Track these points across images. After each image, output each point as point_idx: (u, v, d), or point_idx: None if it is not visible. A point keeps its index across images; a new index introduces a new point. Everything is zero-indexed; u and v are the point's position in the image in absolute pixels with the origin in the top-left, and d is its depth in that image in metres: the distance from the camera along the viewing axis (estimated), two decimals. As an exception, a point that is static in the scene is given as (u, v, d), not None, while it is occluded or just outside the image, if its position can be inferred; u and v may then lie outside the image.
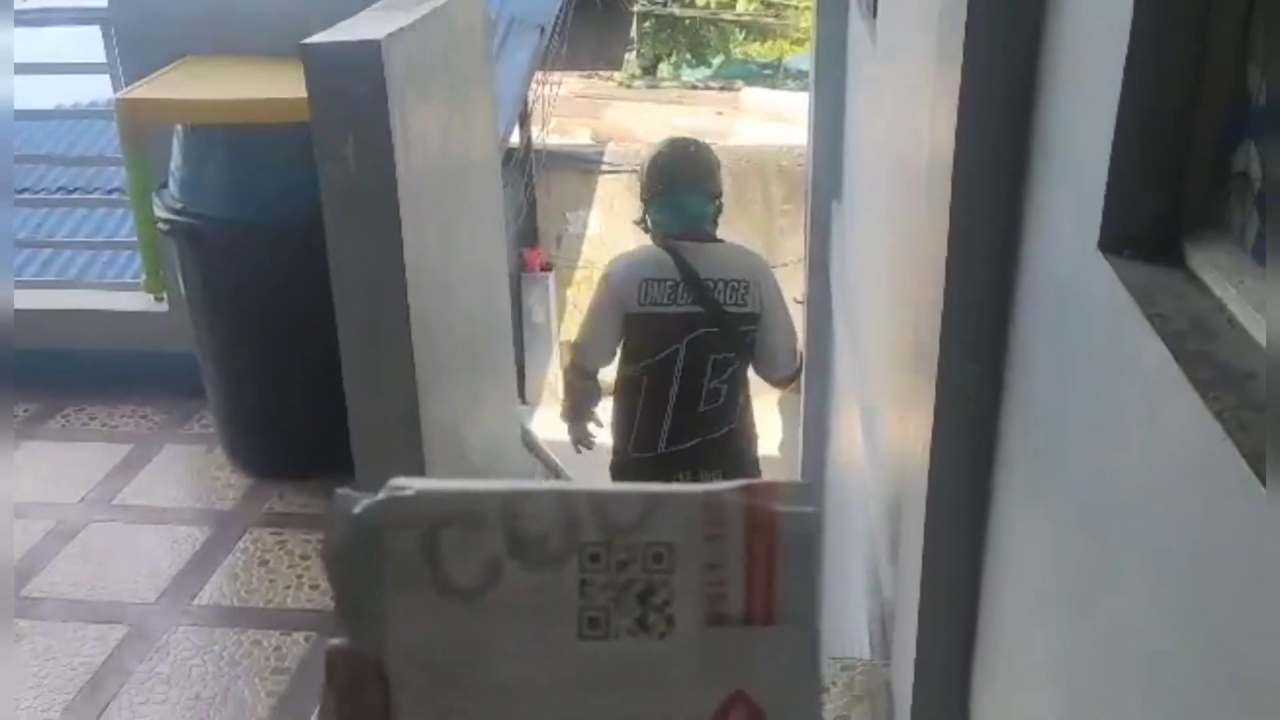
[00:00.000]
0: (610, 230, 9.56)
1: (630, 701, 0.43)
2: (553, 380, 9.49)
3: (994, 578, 1.66)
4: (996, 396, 1.62)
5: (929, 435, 1.70)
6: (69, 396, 3.31)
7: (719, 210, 2.63)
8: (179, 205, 2.78)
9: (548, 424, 8.40)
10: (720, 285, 2.57)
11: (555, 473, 4.89)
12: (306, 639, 2.46)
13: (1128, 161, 1.19)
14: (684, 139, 2.64)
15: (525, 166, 9.01)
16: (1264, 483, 0.81)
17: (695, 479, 2.77)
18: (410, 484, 0.46)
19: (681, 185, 2.62)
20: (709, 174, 2.70)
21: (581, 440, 2.95)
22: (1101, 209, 1.20)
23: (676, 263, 2.48)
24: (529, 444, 4.28)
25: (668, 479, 2.42)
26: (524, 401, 8.09)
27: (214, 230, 2.76)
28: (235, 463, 3.00)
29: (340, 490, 0.47)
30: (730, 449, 2.79)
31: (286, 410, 2.91)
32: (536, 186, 9.32)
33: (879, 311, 2.92)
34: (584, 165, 9.50)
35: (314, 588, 2.60)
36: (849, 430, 3.81)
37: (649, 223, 2.68)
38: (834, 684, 2.31)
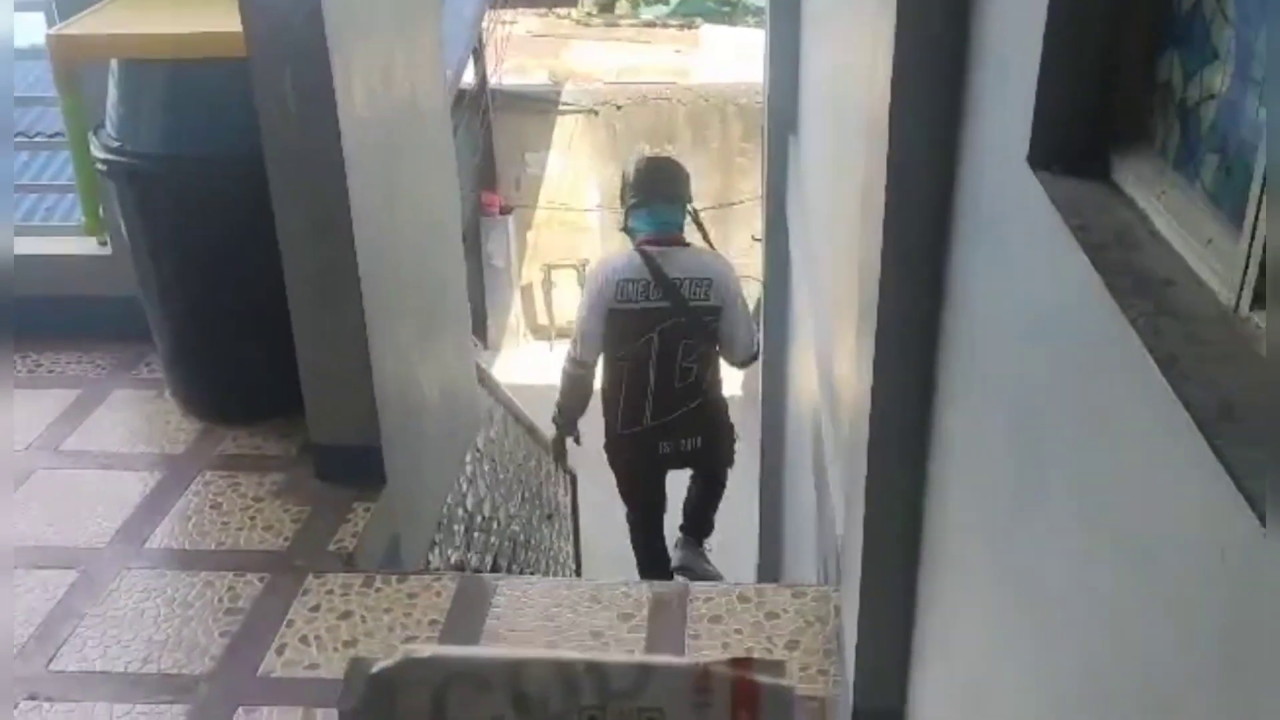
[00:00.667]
0: (571, 170, 9.50)
1: None
2: (514, 323, 9.50)
3: (936, 497, 1.68)
4: (937, 311, 1.63)
5: (872, 361, 1.71)
6: (15, 341, 3.26)
7: (689, 213, 3.08)
8: (117, 145, 2.73)
9: (510, 367, 8.41)
10: (685, 283, 2.99)
11: (515, 414, 4.90)
12: (260, 579, 2.45)
13: (1055, 75, 1.18)
14: (658, 155, 3.41)
15: (481, 107, 8.91)
16: (1174, 388, 0.82)
17: (677, 446, 3.14)
18: (424, 648, 0.49)
19: (657, 197, 3.03)
20: (681, 185, 3.13)
21: (563, 452, 3.44)
22: (1031, 124, 1.20)
23: (648, 265, 2.89)
24: (487, 386, 4.27)
25: (653, 448, 2.63)
26: (485, 346, 8.07)
27: (154, 170, 2.71)
28: (185, 407, 2.97)
29: (356, 656, 0.48)
30: (704, 417, 3.17)
31: (235, 353, 2.88)
32: (493, 128, 9.23)
33: (831, 243, 2.93)
34: (542, 105, 9.40)
35: (267, 529, 2.60)
36: (805, 364, 3.84)
37: (629, 226, 3.06)
38: (785, 610, 2.34)
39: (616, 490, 3.51)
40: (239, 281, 2.78)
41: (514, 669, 0.46)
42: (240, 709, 2.15)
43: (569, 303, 9.85)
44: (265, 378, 2.89)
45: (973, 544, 1.47)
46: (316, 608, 2.38)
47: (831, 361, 2.80)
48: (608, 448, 3.31)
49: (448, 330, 3.36)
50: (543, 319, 9.84)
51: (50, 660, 2.25)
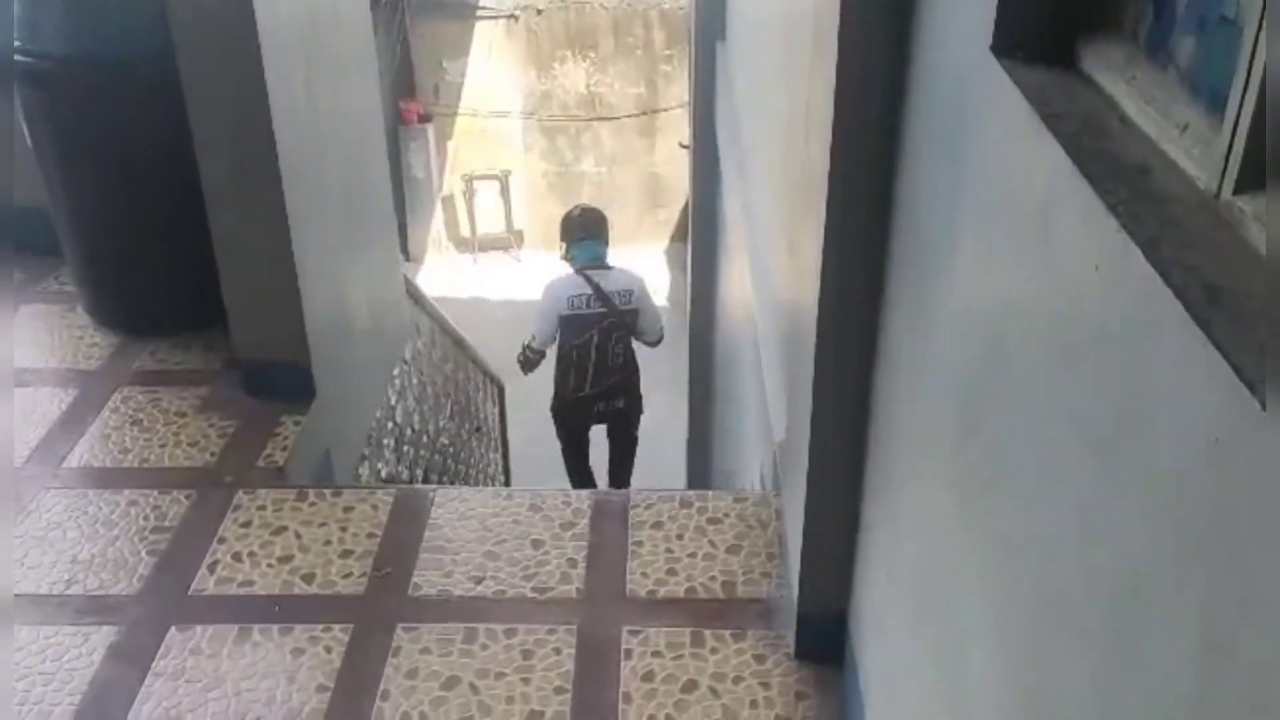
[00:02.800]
0: (491, 78, 9.26)
1: None
2: (436, 235, 9.32)
3: (884, 399, 1.67)
4: (886, 217, 1.61)
5: (819, 260, 1.69)
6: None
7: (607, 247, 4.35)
8: (17, 45, 2.56)
9: (433, 280, 8.27)
10: (616, 295, 4.17)
11: (443, 327, 4.81)
12: (187, 496, 2.38)
13: (1022, -43, 1.15)
14: (589, 206, 4.46)
15: (397, 12, 8.61)
16: (1159, 273, 0.80)
17: (609, 405, 4.33)
18: None
19: (591, 236, 4.28)
20: (606, 228, 4.38)
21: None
22: (995, 9, 1.16)
23: (589, 283, 4.10)
24: (415, 298, 4.18)
25: (590, 407, 3.68)
26: (407, 258, 7.91)
27: (58, 71, 2.55)
28: (99, 321, 2.85)
29: None
30: (627, 385, 4.37)
31: (151, 265, 2.77)
32: (410, 33, 8.93)
33: (769, 147, 2.88)
34: (459, 10, 9.11)
35: (192, 445, 2.52)
36: (737, 273, 3.81)
37: (570, 255, 4.27)
38: (727, 515, 2.34)
39: (549, 411, 4.53)
40: (153, 189, 2.65)
41: None
42: (173, 628, 2.09)
43: (491, 215, 9.68)
44: (183, 290, 2.78)
45: (925, 445, 1.47)
46: (248, 524, 2.32)
47: (769, 268, 2.77)
48: (555, 409, 4.45)
49: (374, 240, 3.26)
50: (465, 231, 9.67)
51: (-33, 584, 2.17)
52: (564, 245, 4.33)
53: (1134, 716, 0.84)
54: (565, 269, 4.30)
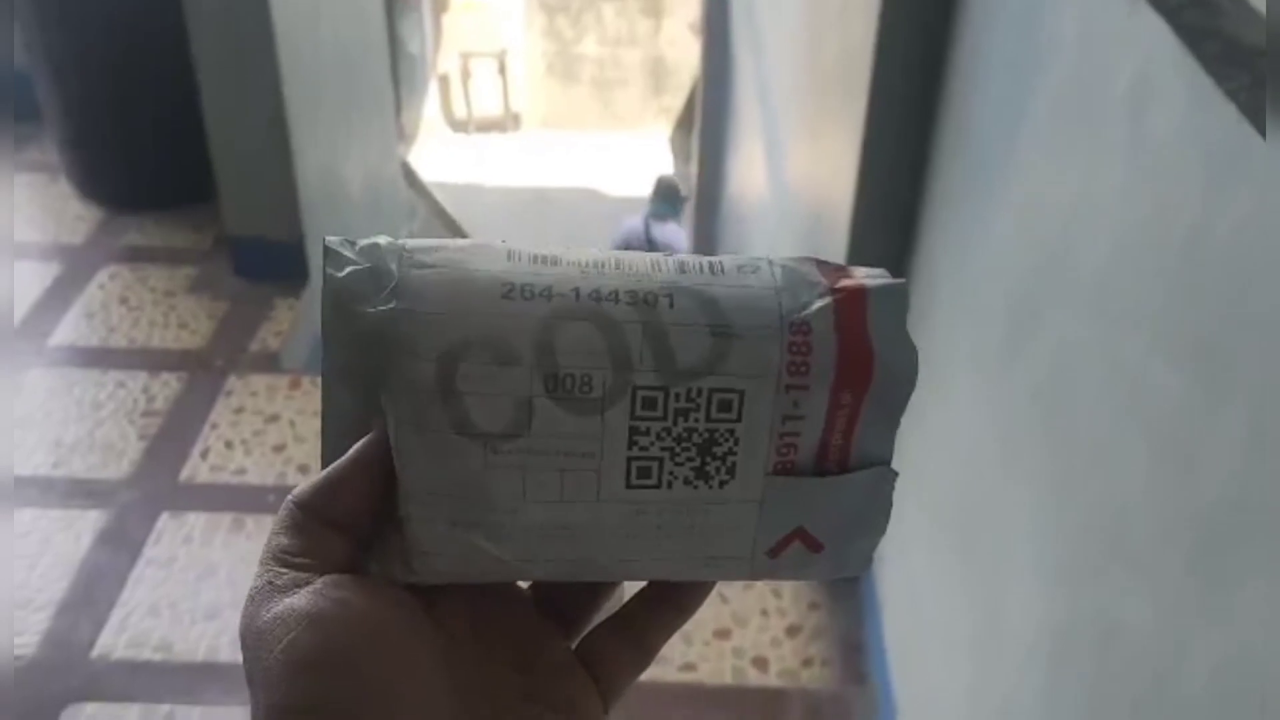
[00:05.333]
0: (490, -47, 8.91)
1: (679, 541, 0.37)
2: (430, 115, 9.06)
3: (919, 306, 1.58)
4: (934, 102, 1.49)
5: (858, 148, 1.57)
6: None
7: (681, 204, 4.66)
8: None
9: (427, 160, 8.08)
10: (660, 244, 4.47)
11: (438, 212, 4.68)
12: (178, 380, 2.29)
13: None
14: (667, 177, 4.69)
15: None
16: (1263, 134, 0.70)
17: None
18: (420, 294, 0.35)
19: (663, 198, 4.60)
20: (677, 192, 4.72)
21: None
22: None
23: (645, 231, 4.39)
24: (411, 181, 4.04)
25: None
26: (400, 135, 7.70)
27: (35, -79, 2.38)
28: (84, 193, 2.72)
29: (329, 273, 0.35)
30: None
31: (141, 134, 2.62)
32: (408, -100, 8.54)
33: (791, 20, 2.72)
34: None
35: (182, 327, 2.41)
36: (748, 163, 3.67)
37: (652, 211, 4.56)
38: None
39: None
40: (145, 54, 2.49)
41: (547, 334, 0.34)
42: (164, 514, 2.02)
43: (487, 95, 9.41)
44: (172, 162, 2.64)
45: (965, 358, 1.37)
46: (240, 410, 2.23)
47: (788, 157, 2.64)
48: None
49: (370, 117, 3.11)
50: (460, 111, 9.42)
51: (-50, 464, 2.09)
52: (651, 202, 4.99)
53: (1202, 668, 0.76)
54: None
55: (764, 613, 1.86)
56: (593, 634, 0.39)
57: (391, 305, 0.35)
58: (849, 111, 1.62)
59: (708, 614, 1.85)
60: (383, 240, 0.36)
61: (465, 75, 9.25)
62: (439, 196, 4.80)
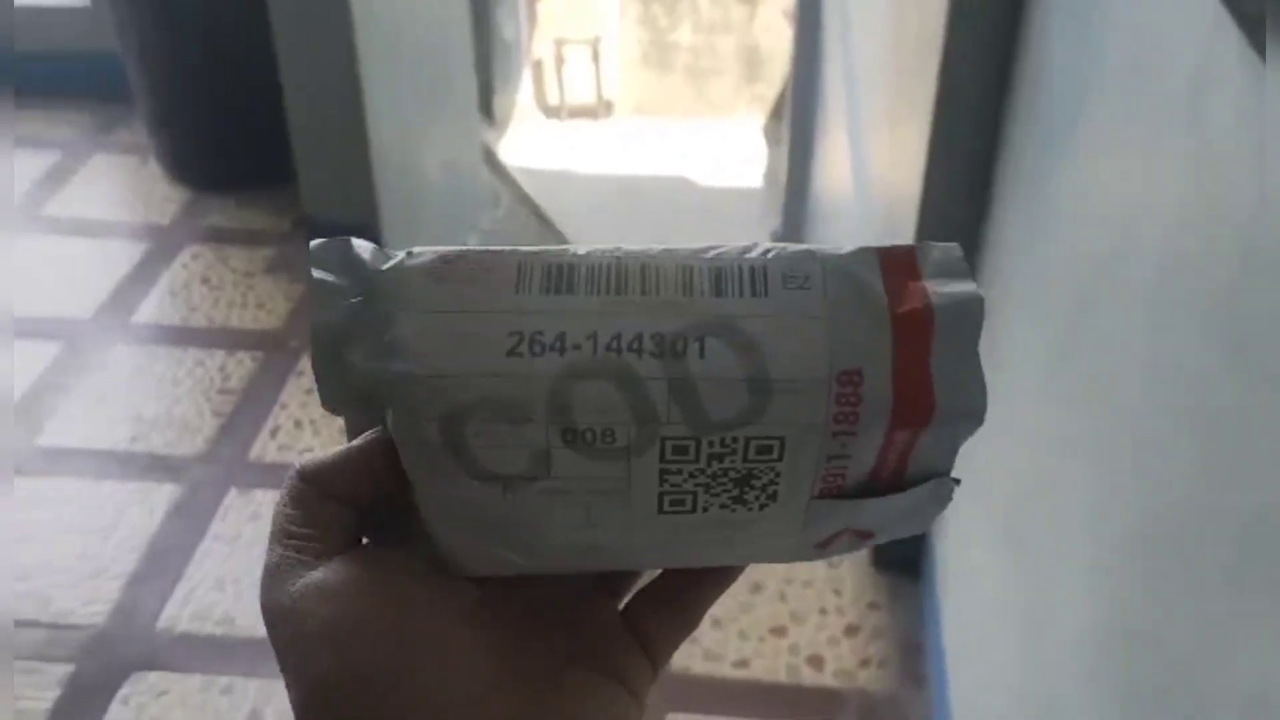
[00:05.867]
0: (586, -60, 8.92)
1: (718, 547, 0.34)
2: (522, 102, 9.13)
3: (992, 290, 1.52)
4: (1004, 88, 1.43)
5: (926, 136, 1.52)
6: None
7: None
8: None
9: (518, 147, 8.13)
10: None
11: (522, 199, 4.70)
12: (253, 359, 2.33)
13: None
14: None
15: None
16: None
17: None
18: (418, 351, 0.31)
19: None
20: None
21: None
22: None
23: None
24: (493, 166, 4.05)
25: None
26: (492, 121, 7.77)
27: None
28: (171, 174, 2.78)
29: (320, 317, 0.33)
30: None
31: (225, 116, 2.68)
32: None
33: (878, 17, 2.66)
34: None
35: (259, 307, 2.46)
36: (833, 152, 3.61)
37: None
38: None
39: None
40: (232, 38, 2.54)
41: (559, 394, 0.31)
42: (233, 490, 2.06)
43: (580, 82, 9.44)
44: (257, 144, 2.69)
45: (1027, 351, 1.32)
46: (310, 390, 2.26)
47: (868, 146, 2.59)
48: None
49: (451, 100, 3.13)
50: (553, 98, 9.46)
51: (36, 434, 2.16)
52: None
53: (1243, 681, 0.71)
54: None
55: (822, 611, 1.83)
56: (637, 599, 0.38)
57: (387, 364, 0.32)
58: (919, 98, 1.57)
59: (764, 611, 1.82)
60: (377, 257, 0.33)
61: (559, 62, 9.29)
62: (527, 183, 4.81)
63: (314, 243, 0.33)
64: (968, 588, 1.57)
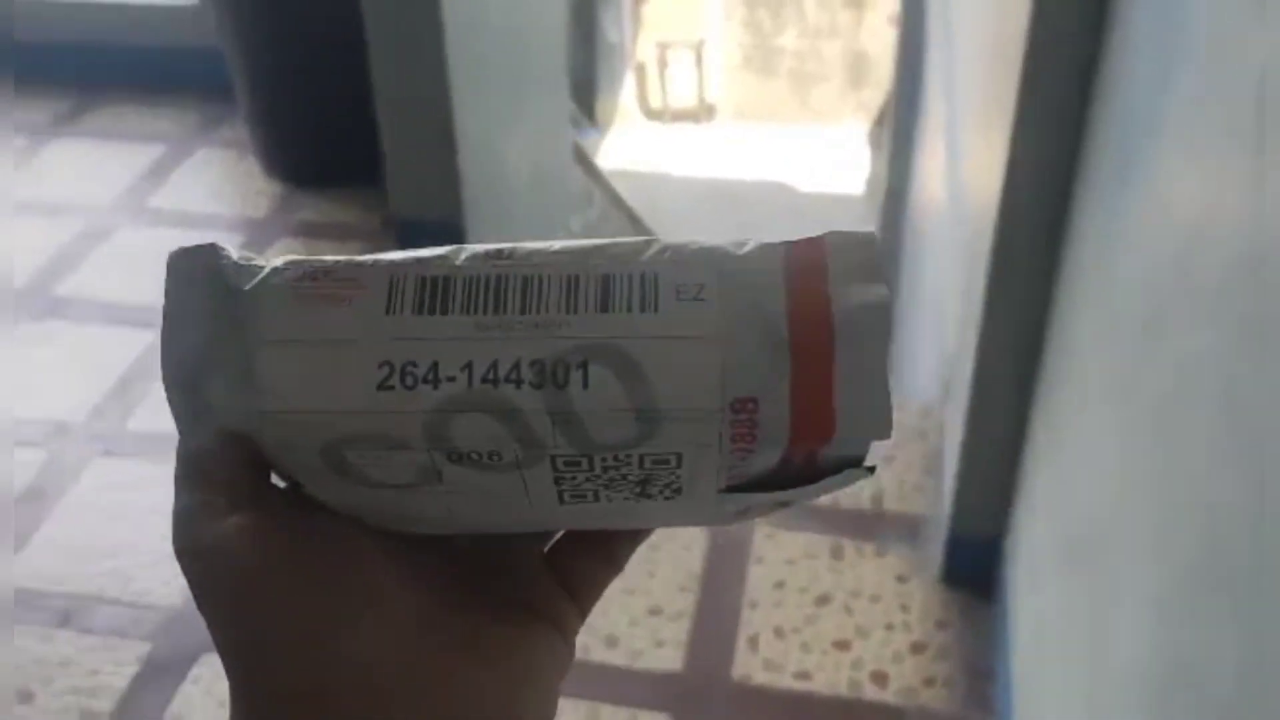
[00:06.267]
0: (694, -58, 8.92)
1: (632, 519, 0.34)
2: (625, 104, 9.16)
3: (1063, 315, 1.47)
4: (1087, 100, 1.38)
5: (1006, 147, 1.47)
6: (97, 93, 3.16)
7: None
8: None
9: (619, 149, 8.17)
10: None
11: (616, 201, 4.71)
12: (337, 352, 2.38)
13: None
14: None
15: None
16: None
17: None
18: (283, 389, 0.29)
19: None
20: None
21: None
22: None
23: None
24: (586, 167, 4.07)
25: None
26: (593, 123, 7.81)
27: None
28: (267, 169, 2.85)
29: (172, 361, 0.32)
30: None
31: (320, 114, 2.73)
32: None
33: (975, 14, 2.60)
34: None
35: (345, 301, 2.51)
36: (931, 161, 3.55)
37: None
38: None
39: None
40: (329, 38, 2.60)
41: (437, 423, 0.29)
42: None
43: (683, 85, 9.44)
44: (350, 142, 2.74)
45: (1100, 371, 1.27)
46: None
47: (961, 157, 2.53)
48: None
49: (542, 100, 3.15)
50: (656, 101, 9.48)
51: (126, 418, 2.23)
52: None
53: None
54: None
55: (889, 627, 1.78)
56: (561, 542, 0.37)
57: (251, 402, 0.30)
58: (1003, 103, 1.53)
59: (829, 624, 1.79)
60: (238, 273, 0.31)
61: (662, 65, 9.31)
62: (622, 185, 4.82)
63: (174, 251, 0.32)
64: (1036, 612, 1.52)
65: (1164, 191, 1.07)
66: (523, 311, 0.29)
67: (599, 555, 0.37)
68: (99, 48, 3.15)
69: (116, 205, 2.79)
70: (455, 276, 0.30)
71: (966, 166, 2.35)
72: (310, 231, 2.70)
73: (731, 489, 0.31)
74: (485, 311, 0.29)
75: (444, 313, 0.30)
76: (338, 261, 0.32)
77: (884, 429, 0.29)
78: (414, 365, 0.29)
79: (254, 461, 0.33)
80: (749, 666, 1.73)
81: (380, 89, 2.41)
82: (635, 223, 5.01)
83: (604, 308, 0.29)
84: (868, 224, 5.29)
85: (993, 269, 1.55)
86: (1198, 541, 0.90)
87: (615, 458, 0.30)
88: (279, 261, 0.32)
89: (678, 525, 0.34)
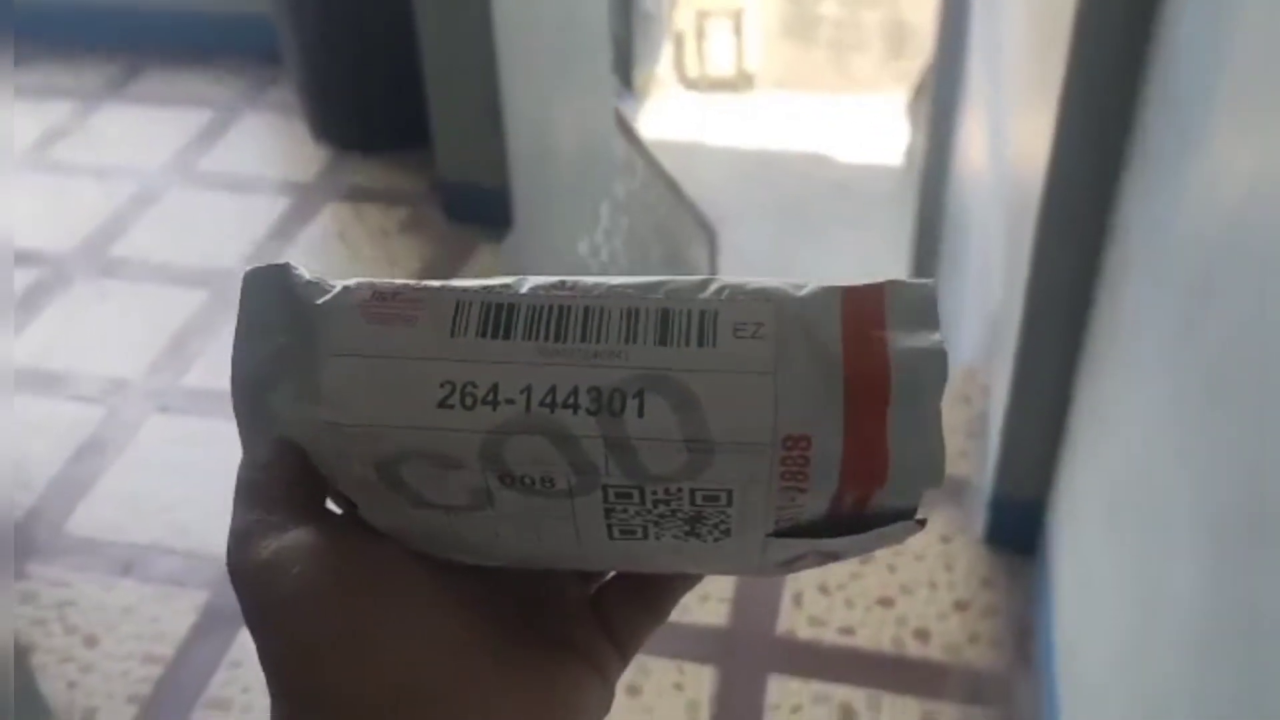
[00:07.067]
0: (732, -89, 8.86)
1: (679, 564, 0.33)
2: (661, 74, 9.14)
3: (1110, 275, 1.48)
4: (1140, 66, 1.38)
5: (1057, 112, 1.48)
6: (147, 58, 3.20)
7: None
8: None
9: (656, 118, 8.15)
10: None
11: (657, 171, 4.71)
12: (385, 314, 2.41)
13: None
14: None
15: None
16: None
17: None
18: (346, 400, 0.30)
19: None
20: None
21: None
22: None
23: None
24: (629, 136, 4.08)
25: None
26: (630, 92, 7.80)
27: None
28: (315, 134, 2.89)
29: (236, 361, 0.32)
30: None
31: (367, 79, 2.76)
32: None
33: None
34: None
35: (393, 264, 2.54)
36: (974, 129, 3.53)
37: None
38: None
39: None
40: (373, 2, 2.62)
41: (493, 444, 0.30)
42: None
43: (722, 55, 9.39)
44: (398, 107, 2.76)
45: (1148, 331, 1.28)
46: (439, 346, 2.33)
47: (1006, 122, 2.52)
48: None
49: (586, 67, 3.16)
50: (694, 70, 9.44)
51: (182, 375, 2.28)
52: None
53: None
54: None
55: (932, 585, 1.81)
56: (606, 588, 0.37)
57: (314, 411, 0.31)
58: (1052, 72, 1.53)
59: (873, 581, 1.81)
60: (309, 291, 0.32)
61: (700, 34, 9.27)
62: (660, 155, 4.81)
63: (248, 270, 0.33)
64: (1080, 569, 1.54)
65: (1219, 155, 1.08)
66: (583, 340, 0.30)
67: (642, 603, 0.36)
68: (150, 12, 3.19)
69: (167, 168, 2.83)
70: (519, 304, 0.31)
71: (1014, 130, 2.35)
72: (358, 195, 2.73)
73: (780, 534, 0.31)
74: (547, 338, 0.30)
75: (506, 337, 0.30)
76: (406, 284, 0.32)
77: (937, 476, 0.30)
78: (474, 386, 0.30)
79: (309, 477, 0.33)
80: (793, 622, 1.76)
81: (428, 54, 2.43)
82: (675, 192, 5.02)
83: (662, 341, 0.30)
84: (906, 193, 5.26)
85: (1040, 231, 1.56)
86: (1248, 494, 0.92)
87: (666, 490, 0.30)
88: (350, 282, 0.33)
89: (722, 573, 0.34)
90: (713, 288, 0.30)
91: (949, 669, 1.70)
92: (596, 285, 0.31)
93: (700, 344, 0.29)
